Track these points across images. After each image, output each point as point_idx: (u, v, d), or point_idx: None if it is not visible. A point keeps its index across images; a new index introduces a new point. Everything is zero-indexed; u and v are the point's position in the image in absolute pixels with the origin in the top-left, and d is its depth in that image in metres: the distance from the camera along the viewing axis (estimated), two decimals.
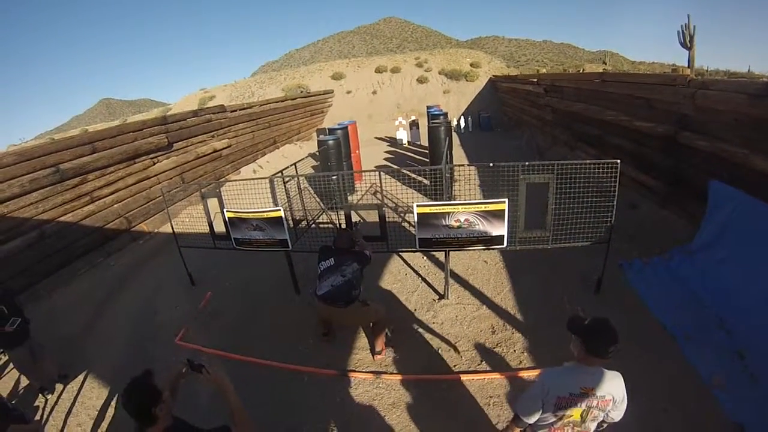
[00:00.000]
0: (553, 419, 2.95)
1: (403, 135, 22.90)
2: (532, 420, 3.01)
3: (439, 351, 5.79)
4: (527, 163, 6.14)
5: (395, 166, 16.80)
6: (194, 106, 29.70)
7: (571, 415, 2.91)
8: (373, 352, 5.83)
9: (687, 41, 14.97)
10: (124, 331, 7.10)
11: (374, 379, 5.39)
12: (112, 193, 10.74)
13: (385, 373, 5.48)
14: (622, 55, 78.08)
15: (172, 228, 8.16)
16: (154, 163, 12.37)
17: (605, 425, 3.05)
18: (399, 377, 5.37)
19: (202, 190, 7.65)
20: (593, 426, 2.98)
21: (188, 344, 6.45)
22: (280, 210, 6.64)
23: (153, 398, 2.54)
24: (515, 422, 3.12)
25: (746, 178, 6.57)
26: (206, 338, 6.57)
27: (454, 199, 7.35)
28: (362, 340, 6.12)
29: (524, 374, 5.23)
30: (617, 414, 2.93)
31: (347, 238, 5.81)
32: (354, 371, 5.56)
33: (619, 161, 6.16)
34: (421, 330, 6.27)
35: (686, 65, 9.84)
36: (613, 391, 2.83)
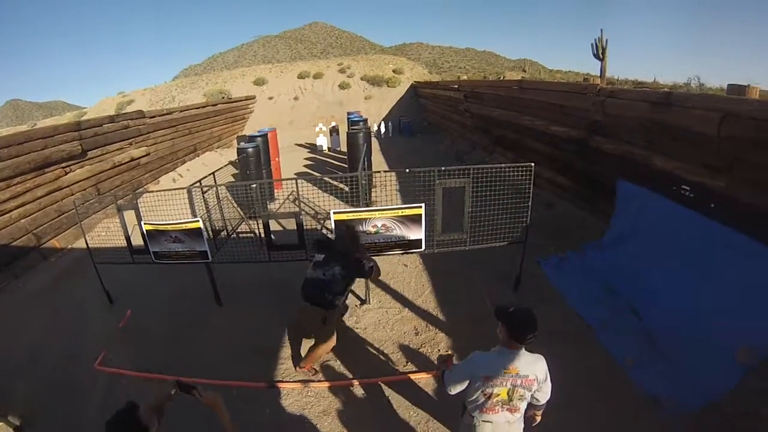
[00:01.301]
0: (483, 399, 3.25)
1: (323, 141, 22.83)
2: (454, 391, 3.43)
3: (365, 356, 5.85)
4: (443, 168, 6.32)
5: (317, 174, 16.73)
6: (112, 110, 28.49)
7: (499, 394, 3.21)
8: (296, 364, 5.76)
9: (600, 53, 15.97)
10: (37, 358, 6.59)
11: (303, 388, 5.36)
12: (18, 207, 9.98)
13: (314, 381, 5.47)
14: (541, 63, 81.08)
15: (87, 243, 7.65)
16: (67, 173, 11.63)
17: (535, 407, 3.44)
18: (327, 384, 5.38)
19: (118, 203, 7.32)
20: (522, 405, 3.29)
21: (109, 368, 6.09)
22: (198, 221, 6.49)
23: None
24: (442, 385, 3.57)
25: (650, 177, 7.12)
26: (128, 360, 6.23)
27: (373, 205, 7.43)
28: (289, 350, 6.07)
29: (422, 374, 5.43)
30: (542, 395, 3.31)
31: (347, 239, 5.56)
32: (282, 381, 5.52)
33: (533, 164, 6.48)
34: (345, 336, 6.27)
35: (599, 75, 10.44)
36: (536, 372, 3.17)
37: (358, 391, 5.28)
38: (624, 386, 5.09)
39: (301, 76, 31.99)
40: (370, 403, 5.05)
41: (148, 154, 15.82)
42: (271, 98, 30.78)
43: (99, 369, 6.12)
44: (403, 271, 8.09)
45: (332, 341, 5.38)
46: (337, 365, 5.73)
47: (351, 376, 5.51)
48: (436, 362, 4.16)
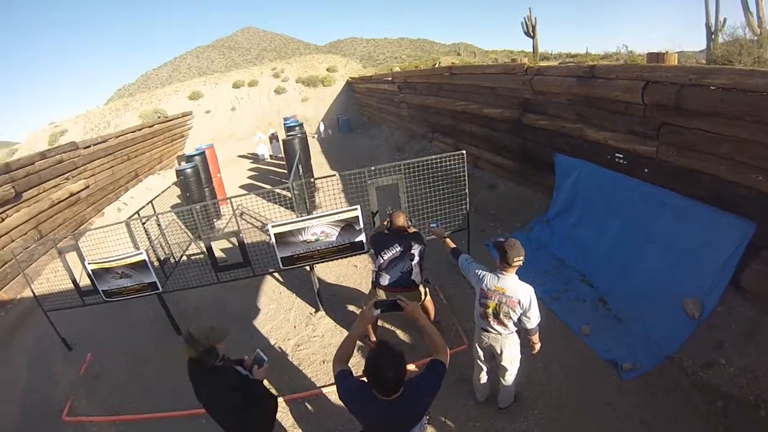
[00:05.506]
0: (482, 309, 4.14)
1: (264, 150, 22.38)
2: (460, 266, 4.47)
3: (328, 363, 5.81)
4: (373, 168, 6.39)
5: (260, 185, 16.48)
6: (45, 143, 27.19)
7: (489, 306, 4.06)
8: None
9: (530, 30, 16.35)
10: (0, 416, 6.25)
11: None
12: None
13: (280, 396, 5.36)
14: (477, 45, 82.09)
15: (33, 292, 7.33)
16: (2, 220, 11.09)
17: (528, 332, 4.13)
18: (294, 396, 5.36)
19: (58, 246, 7.01)
20: (510, 323, 4.08)
21: (78, 418, 5.83)
22: (142, 253, 6.32)
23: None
24: (453, 254, 4.70)
25: (584, 148, 7.40)
26: (95, 405, 6.00)
27: (317, 209, 7.37)
28: None
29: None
30: (529, 321, 4.01)
31: (404, 217, 5.52)
32: None
33: (464, 152, 6.63)
34: (303, 346, 6.30)
35: (532, 51, 10.68)
36: (519, 295, 3.92)
37: (327, 399, 5.27)
38: (581, 353, 5.39)
39: (236, 86, 31.32)
40: (340, 411, 4.97)
41: (87, 187, 15.10)
42: (208, 112, 30.04)
43: (67, 420, 5.84)
44: (354, 272, 8.12)
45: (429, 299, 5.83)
46: (301, 376, 5.71)
47: (317, 385, 5.49)
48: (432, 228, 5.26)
